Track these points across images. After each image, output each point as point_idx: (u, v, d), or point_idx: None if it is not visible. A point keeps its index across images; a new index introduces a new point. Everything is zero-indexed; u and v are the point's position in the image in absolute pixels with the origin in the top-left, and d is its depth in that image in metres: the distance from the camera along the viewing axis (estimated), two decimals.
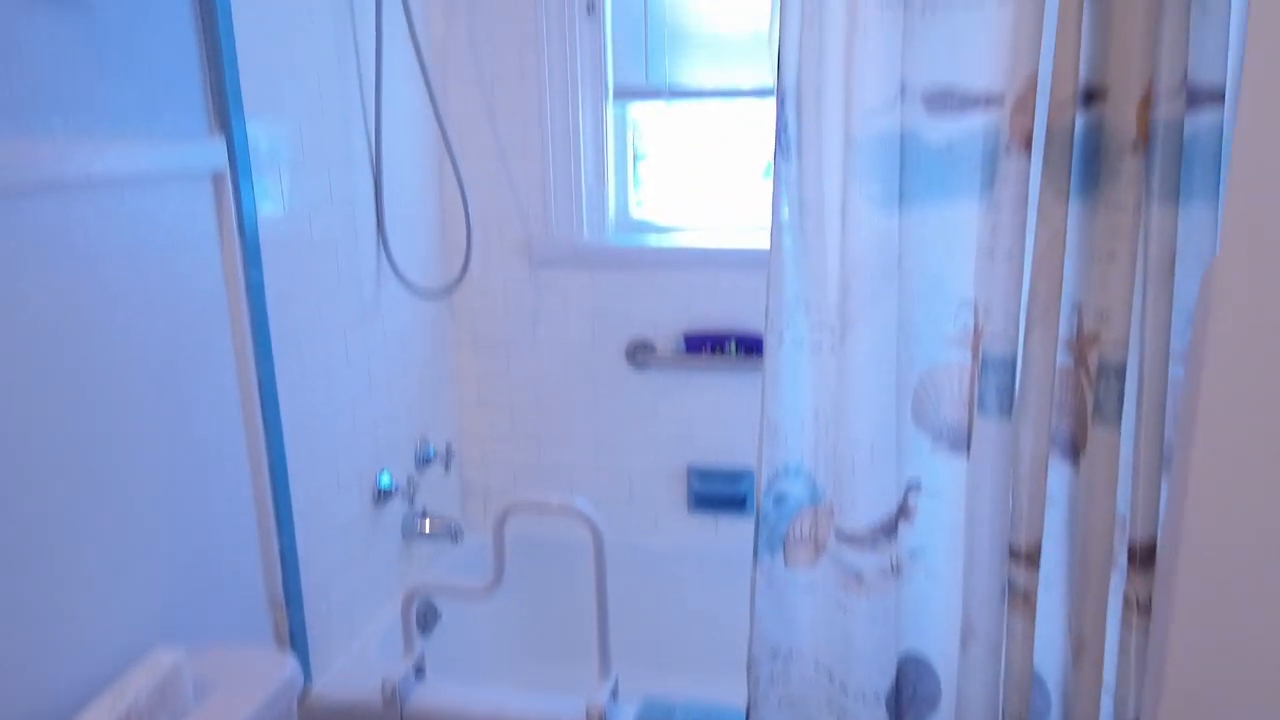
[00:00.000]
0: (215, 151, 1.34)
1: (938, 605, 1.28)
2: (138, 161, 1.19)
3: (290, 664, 1.25)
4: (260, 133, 1.45)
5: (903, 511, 1.27)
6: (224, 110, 1.36)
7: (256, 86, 1.44)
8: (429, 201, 2.06)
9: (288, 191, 1.54)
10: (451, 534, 1.98)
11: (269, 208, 1.49)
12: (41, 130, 1.07)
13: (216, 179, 1.37)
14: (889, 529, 1.26)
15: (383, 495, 1.86)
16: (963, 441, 1.23)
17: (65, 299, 1.10)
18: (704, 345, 2.02)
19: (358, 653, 1.73)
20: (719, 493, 2.08)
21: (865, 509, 1.24)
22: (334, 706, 1.60)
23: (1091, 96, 1.08)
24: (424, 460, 2.03)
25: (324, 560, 1.67)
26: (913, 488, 1.27)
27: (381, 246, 1.84)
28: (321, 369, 1.66)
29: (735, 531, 2.13)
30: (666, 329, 2.07)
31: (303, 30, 1.58)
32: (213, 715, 1.14)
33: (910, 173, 1.18)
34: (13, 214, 1.02)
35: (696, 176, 2.09)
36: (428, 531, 1.98)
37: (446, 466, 2.10)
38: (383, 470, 1.87)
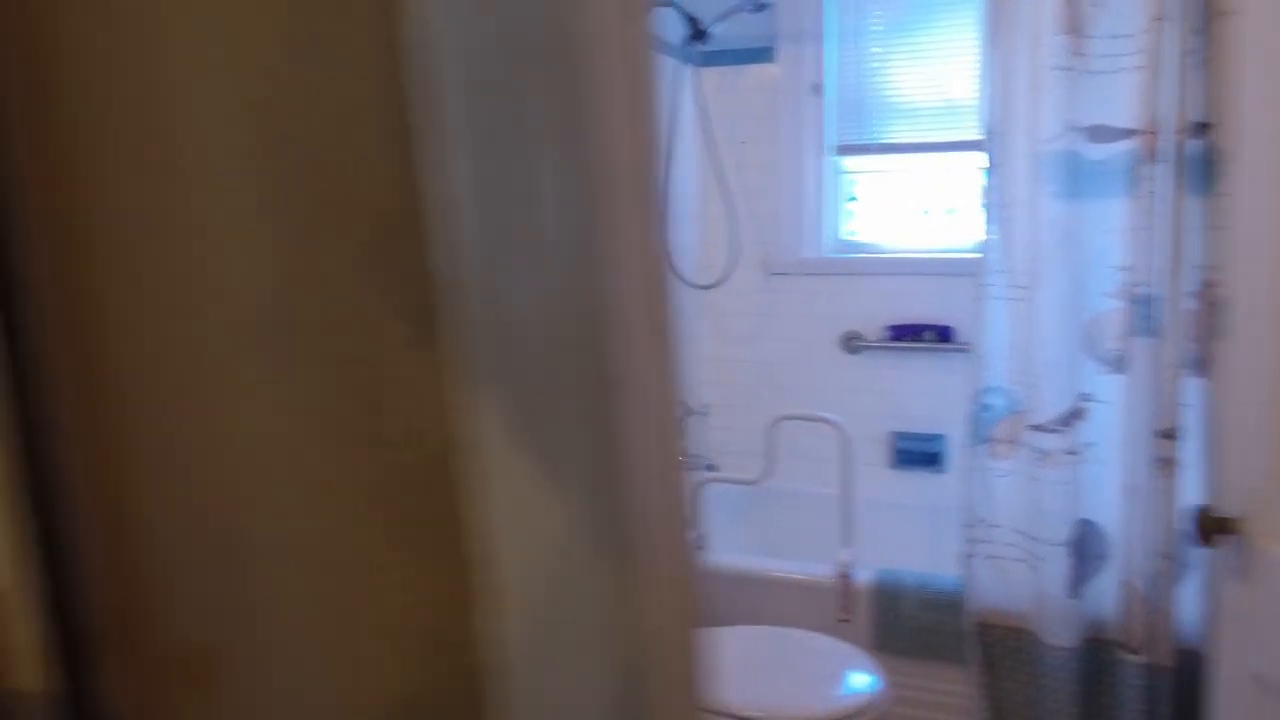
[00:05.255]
0: None
1: (1106, 483, 1.81)
2: None
3: None
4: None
5: (1077, 413, 1.83)
6: None
7: None
8: (694, 228, 2.79)
9: None
10: (708, 466, 2.64)
11: None
12: None
13: None
14: (1067, 421, 1.82)
15: None
16: (1122, 365, 1.79)
17: None
18: (905, 334, 2.63)
19: None
20: (917, 450, 2.65)
21: (1049, 407, 1.81)
22: None
23: (1204, 127, 1.67)
24: (688, 414, 2.71)
25: None
26: (1084, 398, 1.83)
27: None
28: None
29: (929, 486, 2.68)
30: (874, 322, 2.69)
31: None
32: None
33: (1077, 179, 1.79)
34: None
35: (897, 209, 2.73)
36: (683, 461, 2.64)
37: (704, 420, 2.76)
38: None
